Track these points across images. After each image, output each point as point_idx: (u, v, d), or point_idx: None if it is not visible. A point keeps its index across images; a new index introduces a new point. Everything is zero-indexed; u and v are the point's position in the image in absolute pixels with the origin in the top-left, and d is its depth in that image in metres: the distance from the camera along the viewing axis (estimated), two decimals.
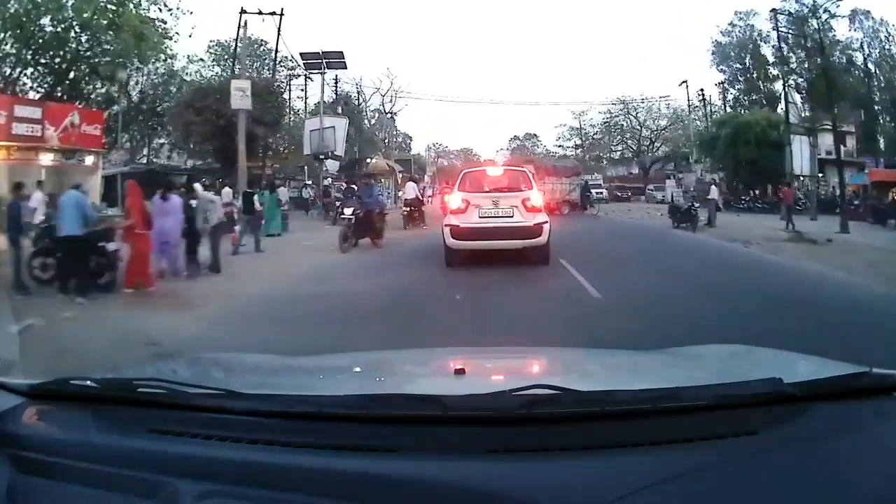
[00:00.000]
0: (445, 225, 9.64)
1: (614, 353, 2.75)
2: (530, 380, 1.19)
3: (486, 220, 9.43)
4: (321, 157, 26.47)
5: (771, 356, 1.89)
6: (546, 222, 9.51)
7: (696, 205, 19.01)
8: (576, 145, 56.48)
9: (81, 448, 1.23)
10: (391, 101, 43.35)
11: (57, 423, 1.32)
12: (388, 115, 44.74)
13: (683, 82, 43.56)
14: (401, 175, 37.41)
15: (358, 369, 1.99)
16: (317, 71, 28.76)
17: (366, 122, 44.27)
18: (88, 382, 1.38)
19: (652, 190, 44.19)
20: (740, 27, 39.98)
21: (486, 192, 9.86)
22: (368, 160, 36.89)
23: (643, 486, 1.02)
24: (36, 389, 1.40)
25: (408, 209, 18.54)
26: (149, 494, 1.10)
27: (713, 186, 23.35)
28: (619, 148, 55.92)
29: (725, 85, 41.60)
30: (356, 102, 40.26)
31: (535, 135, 65.22)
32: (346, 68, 27.26)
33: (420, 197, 18.80)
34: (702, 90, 43.06)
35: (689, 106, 44.24)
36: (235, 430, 1.21)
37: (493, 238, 9.33)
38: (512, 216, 9.45)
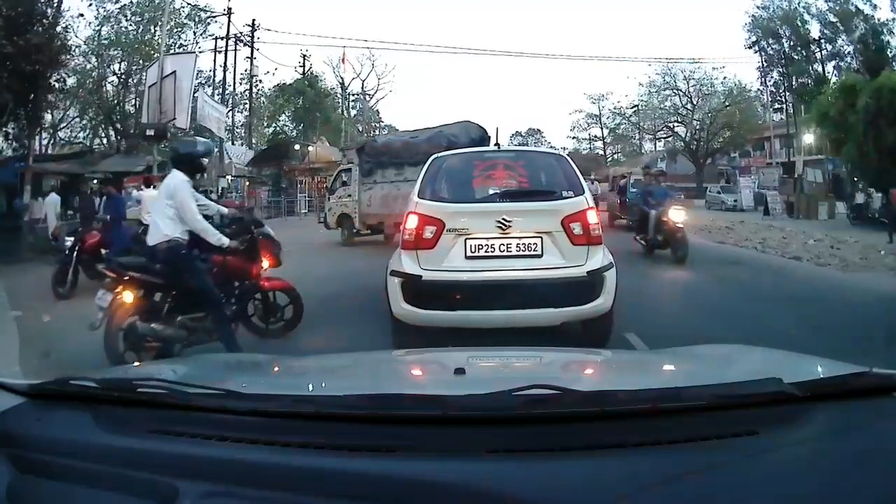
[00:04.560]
0: (392, 273, 4.63)
1: (614, 353, 2.76)
2: (530, 380, 1.19)
3: (484, 262, 4.51)
4: (149, 132, 16.04)
5: (771, 356, 1.89)
6: (610, 267, 4.63)
7: None
8: (593, 137, 46.87)
9: (82, 448, 1.23)
10: (375, 88, 38.40)
11: (57, 423, 1.32)
12: (366, 98, 39.04)
13: (754, 43, 32.04)
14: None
15: (358, 369, 2.00)
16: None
17: (343, 111, 40.55)
18: (89, 382, 1.38)
19: (719, 192, 30.61)
20: None
21: (483, 200, 4.85)
22: (297, 146, 24.43)
23: (643, 487, 1.02)
24: (36, 389, 1.40)
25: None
26: (149, 494, 1.10)
27: None
28: (662, 135, 43.43)
29: (765, 66, 33.76)
30: (334, 89, 36.03)
31: (538, 130, 58.28)
32: None
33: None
34: (784, 51, 31.92)
35: (762, 71, 32.81)
36: (236, 431, 1.21)
37: (499, 303, 4.37)
38: (539, 254, 4.54)
